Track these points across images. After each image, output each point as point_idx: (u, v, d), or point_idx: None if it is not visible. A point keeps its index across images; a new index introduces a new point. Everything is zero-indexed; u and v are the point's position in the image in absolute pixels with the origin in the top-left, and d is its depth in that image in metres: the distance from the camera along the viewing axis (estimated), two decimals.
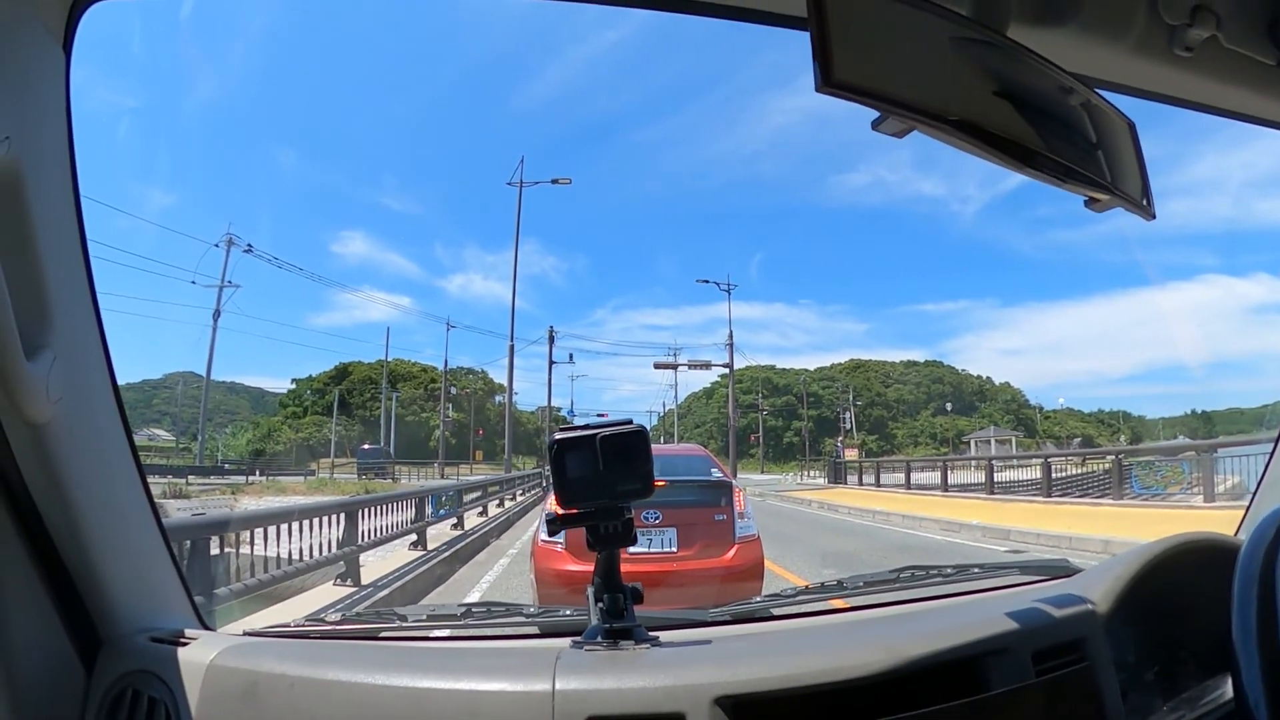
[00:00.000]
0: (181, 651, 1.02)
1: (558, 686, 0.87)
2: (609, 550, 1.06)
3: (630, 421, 1.02)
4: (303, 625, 1.33)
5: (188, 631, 1.10)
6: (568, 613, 1.31)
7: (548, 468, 1.08)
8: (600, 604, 1.06)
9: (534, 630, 1.31)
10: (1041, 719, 0.99)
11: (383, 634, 1.32)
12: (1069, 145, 0.76)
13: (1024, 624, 1.04)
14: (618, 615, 1.04)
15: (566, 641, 1.06)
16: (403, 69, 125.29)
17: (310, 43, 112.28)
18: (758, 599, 1.45)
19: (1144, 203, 0.84)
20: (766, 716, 0.89)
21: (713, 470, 5.27)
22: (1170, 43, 0.89)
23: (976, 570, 1.54)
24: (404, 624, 1.34)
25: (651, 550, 4.38)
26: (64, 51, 0.97)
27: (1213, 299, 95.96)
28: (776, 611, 1.40)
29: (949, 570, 1.53)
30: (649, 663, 0.95)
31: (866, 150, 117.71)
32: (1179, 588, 1.20)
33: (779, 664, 0.92)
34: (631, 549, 4.00)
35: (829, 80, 0.58)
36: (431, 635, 1.33)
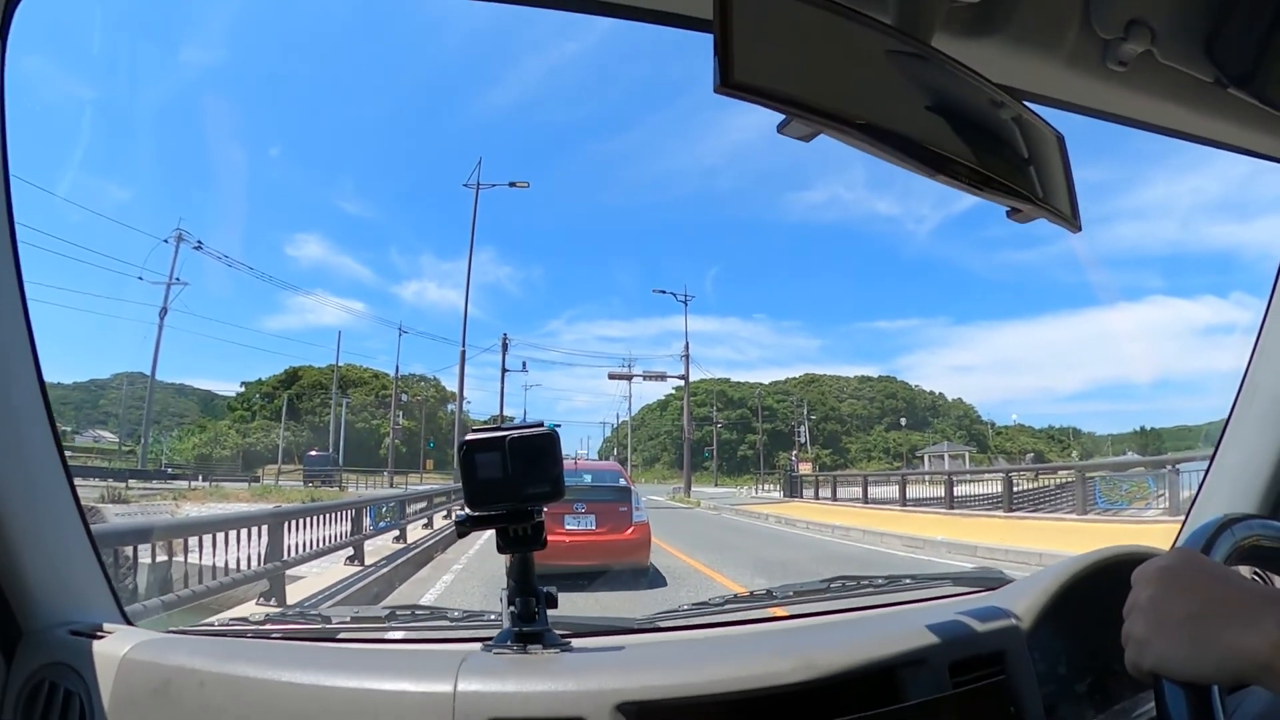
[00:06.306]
0: (97, 644, 1.01)
1: (459, 688, 0.86)
2: (520, 553, 1.04)
3: (542, 424, 1.02)
4: (226, 624, 1.33)
5: (106, 625, 1.09)
6: (491, 616, 1.30)
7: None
8: (512, 608, 1.04)
9: (452, 634, 1.30)
10: None
11: (303, 635, 1.31)
12: (989, 154, 0.74)
13: (944, 636, 1.04)
14: (529, 619, 1.03)
15: (479, 645, 1.05)
16: (362, 71, 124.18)
17: (269, 43, 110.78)
18: (684, 607, 1.44)
19: (1070, 215, 0.83)
20: None
21: (620, 479, 9.07)
22: (1104, 57, 0.87)
23: (908, 581, 1.55)
24: (326, 625, 1.33)
25: (580, 527, 7.97)
26: None
27: (1160, 319, 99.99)
28: (699, 620, 1.39)
29: (880, 580, 1.53)
30: (556, 667, 0.94)
31: (823, 168, 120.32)
32: (1111, 600, 1.21)
33: (689, 671, 0.91)
34: (566, 524, 7.98)
35: (727, 80, 0.56)
36: (352, 637, 1.32)
